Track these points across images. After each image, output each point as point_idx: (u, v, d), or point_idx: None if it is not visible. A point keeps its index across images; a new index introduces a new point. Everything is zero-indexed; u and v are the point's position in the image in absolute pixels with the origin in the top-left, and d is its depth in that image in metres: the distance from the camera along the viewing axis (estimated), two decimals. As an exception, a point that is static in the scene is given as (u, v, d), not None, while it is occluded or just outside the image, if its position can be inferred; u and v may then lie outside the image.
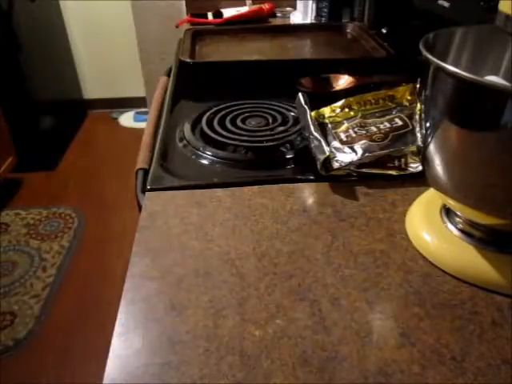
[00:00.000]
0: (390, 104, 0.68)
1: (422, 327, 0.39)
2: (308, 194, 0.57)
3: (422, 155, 0.43)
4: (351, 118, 0.67)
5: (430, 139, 0.41)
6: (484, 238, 0.44)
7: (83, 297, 1.56)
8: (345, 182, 0.58)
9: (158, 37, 2.41)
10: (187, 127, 0.72)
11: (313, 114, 0.68)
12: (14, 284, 1.60)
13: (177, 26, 1.38)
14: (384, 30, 1.08)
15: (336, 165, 0.58)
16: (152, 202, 0.55)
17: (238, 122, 0.73)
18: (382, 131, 0.62)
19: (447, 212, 0.48)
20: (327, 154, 0.57)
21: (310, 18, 1.30)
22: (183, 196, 0.56)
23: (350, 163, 0.58)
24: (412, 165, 0.58)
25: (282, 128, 0.71)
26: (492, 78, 0.43)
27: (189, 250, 0.48)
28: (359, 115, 0.67)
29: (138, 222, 0.52)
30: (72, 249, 1.77)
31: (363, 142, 0.60)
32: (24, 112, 2.18)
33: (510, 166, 0.36)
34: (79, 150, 2.51)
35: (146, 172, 0.62)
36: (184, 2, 1.91)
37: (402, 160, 0.59)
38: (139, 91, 2.79)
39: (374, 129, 0.63)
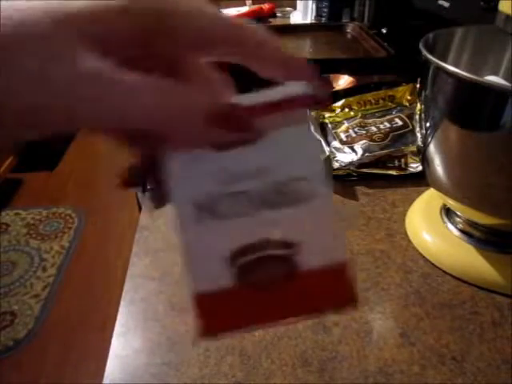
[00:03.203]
0: (389, 104, 0.68)
1: (422, 327, 0.39)
2: (308, 194, 0.57)
3: (422, 155, 0.43)
4: (351, 117, 0.67)
5: (430, 139, 0.41)
6: (484, 238, 0.44)
7: (83, 297, 1.56)
8: (345, 181, 0.58)
9: (157, 37, 2.41)
10: (187, 127, 0.71)
11: (313, 113, 0.68)
12: (14, 284, 1.60)
13: (177, 26, 1.38)
14: (384, 30, 1.08)
15: (336, 165, 0.58)
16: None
17: (238, 122, 0.73)
18: (382, 131, 0.62)
19: (447, 212, 0.48)
20: (327, 153, 0.57)
21: (310, 18, 1.30)
22: (183, 196, 0.56)
23: (350, 163, 0.58)
24: (412, 165, 0.58)
25: (281, 128, 0.71)
26: (492, 78, 0.43)
27: (189, 250, 0.48)
28: (359, 115, 0.67)
29: (138, 222, 0.52)
30: (72, 249, 1.77)
31: (363, 141, 0.60)
32: (24, 112, 2.18)
33: (510, 166, 0.36)
34: (79, 150, 2.51)
35: (145, 172, 0.62)
36: (184, 2, 1.91)
37: (402, 160, 0.59)
38: (139, 91, 2.79)
39: (374, 129, 0.63)
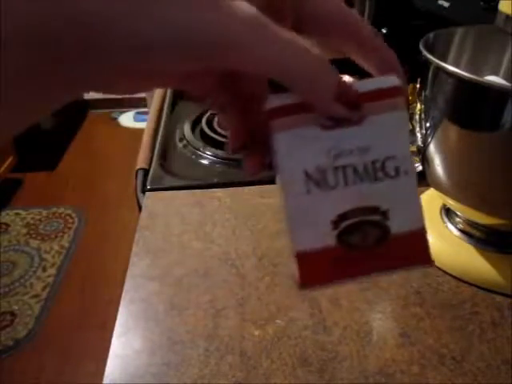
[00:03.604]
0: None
1: (422, 327, 0.39)
2: (308, 194, 0.57)
3: (422, 155, 0.43)
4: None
5: (430, 139, 0.41)
6: (484, 238, 0.44)
7: (83, 297, 1.56)
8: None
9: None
10: (187, 127, 0.72)
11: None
12: (13, 284, 1.60)
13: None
14: (384, 30, 1.08)
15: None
16: (152, 202, 0.55)
17: (238, 122, 0.73)
18: (382, 131, 0.62)
19: (447, 212, 0.48)
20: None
21: (310, 18, 1.30)
22: (183, 196, 0.56)
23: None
24: (412, 165, 0.58)
25: (282, 128, 0.71)
26: (492, 78, 0.43)
27: (189, 249, 0.48)
28: (359, 115, 0.67)
29: (138, 222, 0.52)
30: (72, 249, 1.77)
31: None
32: (24, 112, 2.18)
33: (510, 166, 0.36)
34: (79, 150, 2.52)
35: (146, 172, 0.62)
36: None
37: (402, 160, 0.59)
38: (139, 91, 2.79)
39: (374, 129, 0.63)
